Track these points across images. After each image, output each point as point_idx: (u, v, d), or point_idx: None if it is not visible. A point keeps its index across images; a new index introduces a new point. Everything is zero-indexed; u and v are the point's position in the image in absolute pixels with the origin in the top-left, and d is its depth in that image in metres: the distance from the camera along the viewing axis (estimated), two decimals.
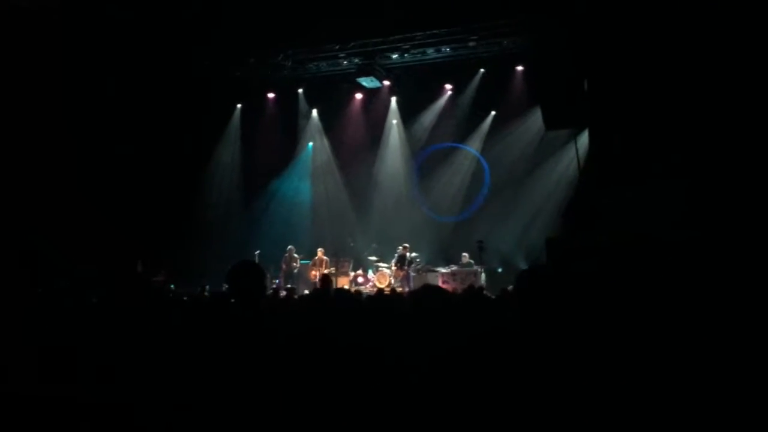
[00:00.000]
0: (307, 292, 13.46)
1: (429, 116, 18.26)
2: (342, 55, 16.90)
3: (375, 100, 18.59)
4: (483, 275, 15.18)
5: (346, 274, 16.78)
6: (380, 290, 14.00)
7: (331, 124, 19.18)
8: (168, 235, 16.02)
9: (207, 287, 14.15)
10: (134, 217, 14.84)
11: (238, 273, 3.84)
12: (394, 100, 18.69)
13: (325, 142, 19.34)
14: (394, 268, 16.26)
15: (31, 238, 12.07)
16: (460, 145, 18.06)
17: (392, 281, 16.05)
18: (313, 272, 16.72)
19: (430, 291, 4.12)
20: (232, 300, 3.92)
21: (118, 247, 14.10)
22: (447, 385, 3.00)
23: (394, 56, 16.69)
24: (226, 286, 4.11)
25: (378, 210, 18.27)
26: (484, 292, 10.91)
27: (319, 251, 16.88)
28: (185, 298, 11.78)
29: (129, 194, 15.02)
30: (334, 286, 15.49)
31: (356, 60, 16.91)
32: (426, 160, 18.39)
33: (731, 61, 6.98)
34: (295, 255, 16.94)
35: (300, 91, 18.98)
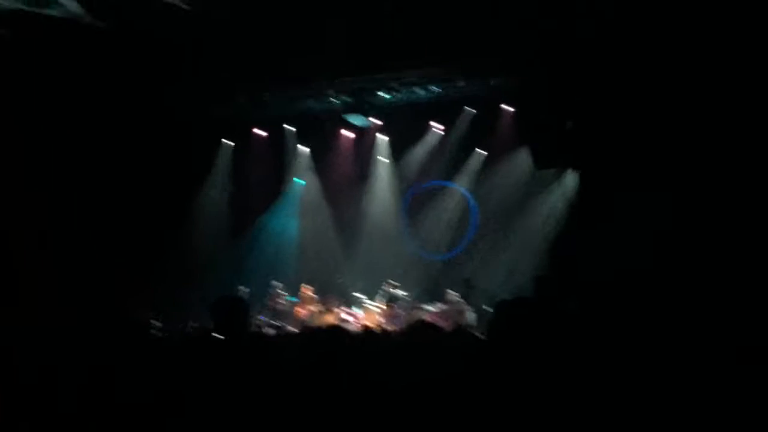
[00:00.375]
0: (293, 329, 13.31)
1: (418, 154, 18.29)
2: (329, 92, 16.97)
3: (364, 138, 18.62)
4: (474, 315, 15.06)
5: (333, 311, 16.61)
6: (367, 328, 13.88)
7: (319, 161, 19.14)
8: (153, 271, 15.87)
9: (191, 324, 14.01)
10: (119, 252, 14.75)
11: (221, 307, 3.81)
12: (382, 137, 18.73)
13: (314, 178, 19.31)
14: (382, 306, 16.13)
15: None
16: (448, 183, 18.08)
17: (380, 319, 15.90)
18: (300, 309, 16.57)
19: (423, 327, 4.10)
20: (214, 334, 3.88)
21: (102, 282, 14.01)
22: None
23: (382, 94, 16.77)
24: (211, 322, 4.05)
25: (365, 247, 18.19)
26: (473, 331, 10.83)
27: (306, 288, 16.74)
28: (166, 334, 11.70)
29: (115, 231, 14.94)
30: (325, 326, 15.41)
31: (344, 97, 16.98)
32: (414, 198, 18.39)
33: (712, 106, 7.05)
34: (281, 292, 16.80)
35: (287, 128, 19.00)
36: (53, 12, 12.50)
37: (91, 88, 14.35)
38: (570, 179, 11.12)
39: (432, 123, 17.92)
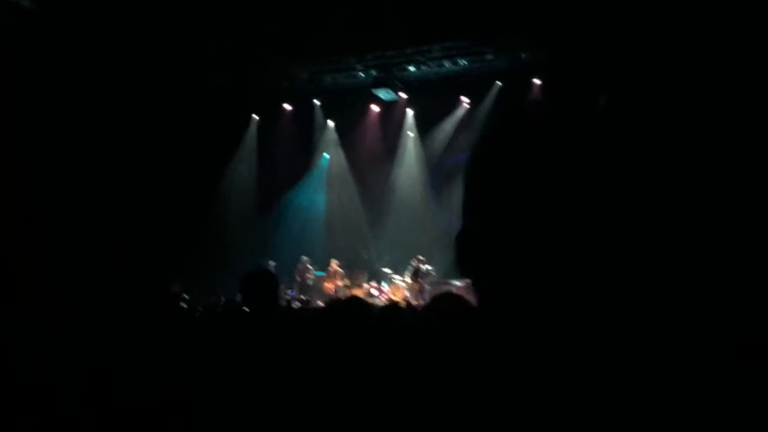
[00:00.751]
0: (321, 303, 13.40)
1: (445, 128, 18.21)
2: (359, 67, 16.92)
3: (391, 112, 18.58)
4: None
5: (361, 286, 16.71)
6: (394, 302, 13.94)
7: (347, 136, 19.18)
8: (182, 245, 16.03)
9: (222, 298, 14.14)
10: (148, 228, 14.90)
11: (251, 281, 3.81)
12: (410, 112, 18.66)
13: (341, 153, 19.33)
14: (408, 280, 16.16)
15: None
16: None
17: (407, 294, 15.95)
18: (327, 284, 16.69)
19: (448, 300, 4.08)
20: (245, 309, 3.89)
21: (133, 256, 14.18)
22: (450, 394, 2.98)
23: (411, 68, 16.69)
24: (240, 296, 4.06)
25: (393, 222, 18.20)
26: None
27: (334, 263, 16.85)
28: (200, 309, 11.83)
29: (142, 204, 15.08)
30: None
31: (373, 72, 16.91)
32: (443, 171, 18.30)
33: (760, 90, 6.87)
34: (309, 266, 16.91)
35: (316, 102, 19.00)
36: None
37: (123, 63, 14.43)
38: None
39: (461, 97, 17.80)
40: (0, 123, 12.51)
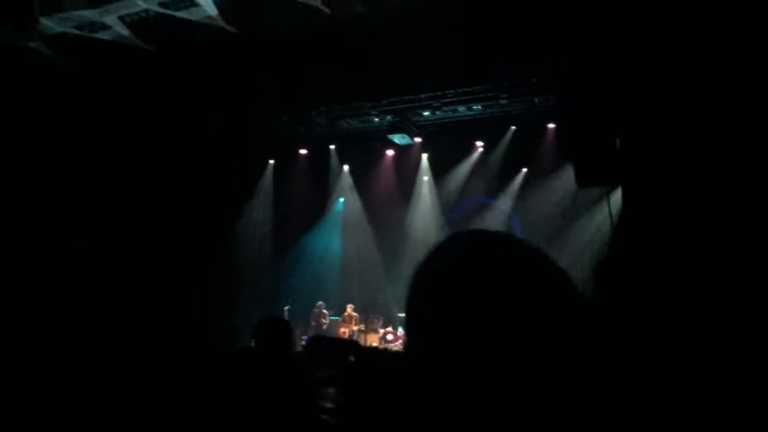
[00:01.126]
0: None
1: (460, 172, 18.26)
2: (374, 112, 17.05)
3: (406, 156, 18.67)
4: None
5: (376, 331, 16.61)
6: None
7: (362, 180, 19.27)
8: (197, 289, 16.02)
9: (236, 345, 14.08)
10: (165, 276, 14.94)
11: (265, 328, 3.79)
12: (425, 156, 18.75)
13: (356, 197, 19.40)
14: None
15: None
16: (492, 201, 17.96)
17: None
18: (342, 329, 16.60)
19: None
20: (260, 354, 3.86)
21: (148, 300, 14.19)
22: None
23: (426, 113, 16.79)
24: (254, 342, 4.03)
25: (408, 266, 17.99)
26: None
27: (349, 307, 16.78)
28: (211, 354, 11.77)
29: (161, 253, 15.14)
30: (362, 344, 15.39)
31: (388, 117, 17.03)
32: (458, 216, 18.29)
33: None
34: (325, 311, 16.85)
35: (332, 147, 19.15)
36: (104, 36, 12.81)
37: (138, 107, 14.66)
38: (617, 197, 10.95)
39: (475, 141, 17.87)
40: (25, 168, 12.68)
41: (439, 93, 16.04)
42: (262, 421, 3.14)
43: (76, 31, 12.60)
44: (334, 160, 19.39)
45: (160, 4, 11.93)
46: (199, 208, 16.38)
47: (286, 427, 3.13)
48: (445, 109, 16.51)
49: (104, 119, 14.21)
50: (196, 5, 11.97)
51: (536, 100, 15.58)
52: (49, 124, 13.23)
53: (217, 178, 16.68)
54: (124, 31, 12.72)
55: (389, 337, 16.41)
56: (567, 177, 15.12)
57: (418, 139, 17.67)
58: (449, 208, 18.47)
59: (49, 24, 12.06)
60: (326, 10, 12.15)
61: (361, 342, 16.13)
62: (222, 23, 12.52)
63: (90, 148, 14.01)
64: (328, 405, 3.48)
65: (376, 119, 17.29)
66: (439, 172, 18.60)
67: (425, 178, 18.86)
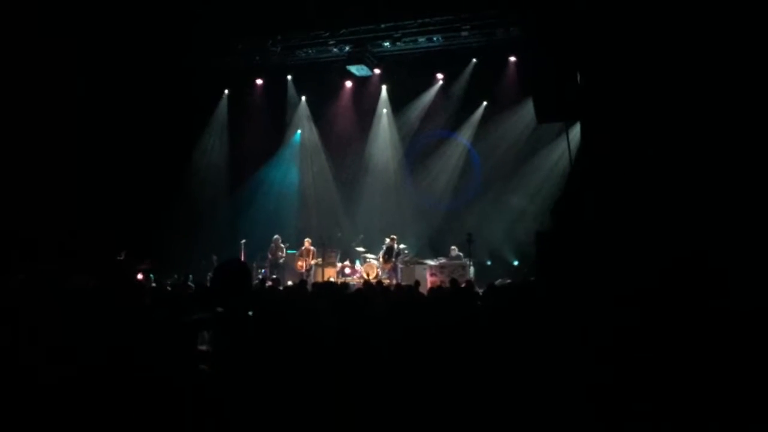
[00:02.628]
0: (290, 283, 13.25)
1: (420, 105, 18.04)
2: (332, 42, 16.62)
3: (365, 88, 18.35)
4: (472, 268, 15.00)
5: (333, 265, 16.57)
6: (367, 282, 13.83)
7: (320, 112, 18.93)
8: (152, 223, 15.76)
9: (190, 277, 13.96)
10: (118, 207, 14.63)
11: (224, 274, 3.69)
12: (384, 88, 18.45)
13: (314, 130, 19.10)
14: (381, 259, 16.05)
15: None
16: (452, 134, 17.85)
17: (380, 273, 15.86)
18: (300, 263, 16.54)
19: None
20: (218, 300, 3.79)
21: (101, 236, 13.91)
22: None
23: (386, 44, 16.44)
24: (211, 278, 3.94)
25: (366, 200, 18.06)
26: (473, 285, 10.78)
27: (306, 241, 16.68)
28: (168, 289, 11.62)
29: (113, 184, 14.79)
30: (321, 280, 15.39)
31: (347, 47, 16.63)
32: (418, 149, 18.16)
33: (730, 59, 6.78)
34: (282, 245, 16.73)
35: (289, 78, 18.70)
36: None
37: (91, 34, 14.05)
38: (575, 132, 10.91)
39: (436, 74, 17.62)
40: None
41: (399, 23, 15.69)
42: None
43: None
44: (292, 90, 18.96)
45: None
46: (152, 140, 15.95)
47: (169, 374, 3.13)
48: (406, 39, 16.18)
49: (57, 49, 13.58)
50: None
51: (498, 32, 15.33)
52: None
53: (169, 108, 16.21)
54: None
55: (347, 270, 16.41)
56: (527, 111, 15.08)
57: (377, 71, 17.34)
58: (408, 141, 18.30)
59: None
60: None
61: (319, 276, 16.12)
62: None
63: (44, 78, 13.44)
64: (203, 348, 3.46)
65: (335, 49, 16.86)
66: (398, 104, 18.37)
67: (384, 110, 18.61)
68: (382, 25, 15.85)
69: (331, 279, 15.53)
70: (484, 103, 17.34)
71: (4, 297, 5.05)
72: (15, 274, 7.95)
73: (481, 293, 7.80)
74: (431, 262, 15.75)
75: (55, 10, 13.05)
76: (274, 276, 15.01)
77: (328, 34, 16.40)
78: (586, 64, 8.20)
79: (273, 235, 16.77)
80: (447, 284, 11.33)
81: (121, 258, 14.24)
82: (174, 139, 17.02)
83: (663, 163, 7.07)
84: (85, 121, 14.31)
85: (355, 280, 15.44)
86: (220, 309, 3.57)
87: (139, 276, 14.14)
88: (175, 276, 14.82)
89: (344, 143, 18.58)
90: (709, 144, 6.70)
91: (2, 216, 11.75)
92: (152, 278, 14.11)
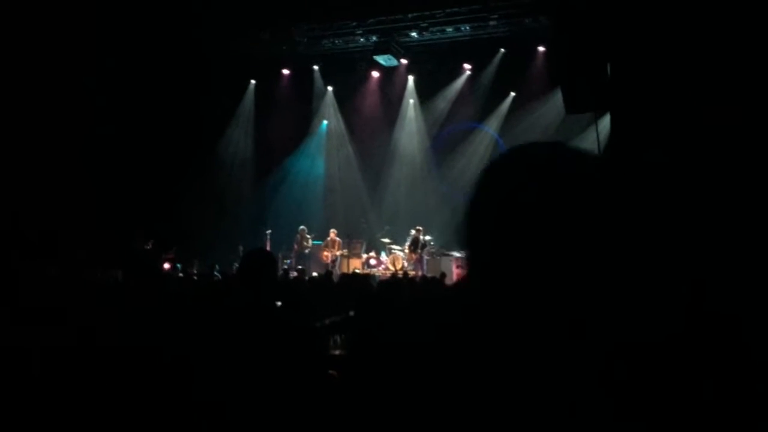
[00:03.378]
0: (315, 274, 13.25)
1: (447, 96, 17.90)
2: (359, 31, 16.55)
3: (392, 78, 18.23)
4: None
5: (359, 256, 16.56)
6: (393, 273, 13.82)
7: (346, 103, 18.87)
8: (179, 214, 15.84)
9: (216, 266, 14.01)
10: (145, 196, 14.71)
11: (251, 263, 3.66)
12: (411, 78, 18.33)
13: (340, 120, 19.05)
14: (407, 251, 15.98)
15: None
16: (479, 125, 17.70)
17: (405, 264, 15.80)
18: (325, 253, 16.54)
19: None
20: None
21: (128, 226, 14.02)
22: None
23: (413, 34, 16.33)
24: (237, 268, 3.94)
25: (392, 191, 18.01)
26: None
27: (332, 232, 16.67)
28: (195, 278, 11.68)
29: (140, 173, 14.86)
30: (346, 271, 15.37)
31: (373, 37, 16.54)
32: (445, 140, 18.03)
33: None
34: (307, 235, 16.73)
35: (315, 67, 18.66)
36: None
37: (117, 25, 14.08)
38: (605, 124, 10.73)
39: (463, 64, 17.45)
40: None
41: (427, 12, 15.56)
42: (273, 374, 3.04)
43: None
44: (318, 81, 18.91)
45: None
46: (179, 130, 16.00)
47: (297, 382, 3.05)
48: (433, 29, 16.05)
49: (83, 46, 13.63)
50: None
51: (527, 21, 15.13)
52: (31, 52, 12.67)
53: (196, 98, 16.24)
54: None
55: (372, 261, 16.37)
56: (556, 102, 14.85)
57: (404, 61, 17.22)
58: (435, 131, 18.18)
59: None
60: None
61: (344, 267, 16.10)
62: None
63: (68, 75, 13.49)
64: (336, 352, 3.40)
65: (362, 39, 16.79)
66: (425, 94, 18.23)
67: (411, 100, 18.50)
68: (409, 15, 15.73)
69: (357, 270, 15.50)
70: (512, 93, 17.16)
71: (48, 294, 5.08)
72: (47, 267, 8.04)
73: None
74: (457, 254, 15.64)
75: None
76: (300, 267, 15.02)
77: (354, 24, 16.32)
78: (617, 54, 8.02)
79: (299, 226, 16.78)
80: None
81: (149, 248, 14.36)
82: (200, 129, 17.08)
83: (695, 159, 6.89)
84: (111, 112, 14.37)
85: (380, 272, 15.41)
86: (351, 313, 3.54)
87: (166, 265, 14.26)
88: (196, 263, 14.92)
89: (371, 134, 18.49)
90: (746, 140, 6.49)
91: (30, 208, 11.83)
92: (179, 267, 14.20)
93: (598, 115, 11.01)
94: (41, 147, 12.84)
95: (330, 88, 19.07)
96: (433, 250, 15.98)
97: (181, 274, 13.10)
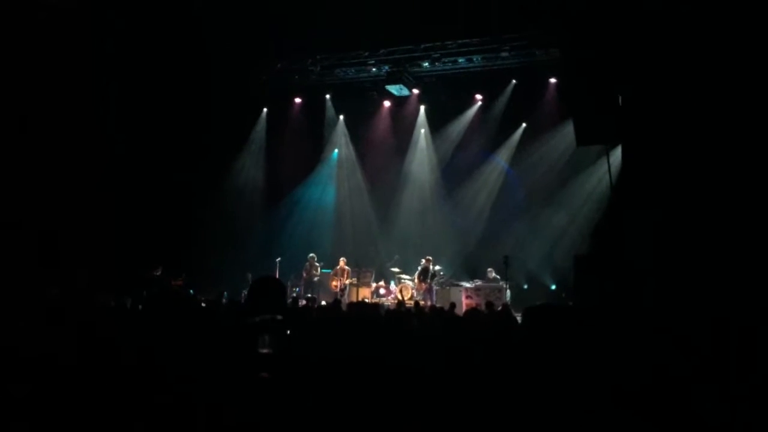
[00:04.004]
0: (324, 303, 13.18)
1: (458, 126, 17.94)
2: (371, 61, 16.67)
3: (403, 108, 18.31)
4: (508, 292, 14.78)
5: (368, 285, 16.48)
6: (400, 302, 13.70)
7: (357, 132, 18.97)
8: (188, 240, 15.86)
9: (225, 294, 13.96)
10: (155, 222, 14.74)
11: (260, 289, 3.66)
12: (423, 108, 18.41)
13: (351, 149, 19.12)
14: (416, 280, 15.90)
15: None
16: (491, 155, 17.72)
17: (414, 294, 15.72)
18: (334, 282, 16.47)
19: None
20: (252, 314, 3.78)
21: (138, 251, 14.03)
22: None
23: (425, 64, 16.42)
24: (245, 295, 3.95)
25: (402, 220, 17.99)
26: (509, 308, 10.61)
27: (341, 261, 16.62)
28: (203, 305, 11.64)
29: (151, 199, 14.91)
30: (355, 299, 15.30)
31: (385, 67, 16.65)
32: (455, 170, 18.02)
33: None
34: (317, 264, 16.69)
35: (327, 97, 18.77)
36: None
37: (131, 53, 14.22)
38: (616, 156, 10.72)
39: (475, 94, 17.51)
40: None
41: (439, 43, 15.68)
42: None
43: None
44: (330, 110, 19.01)
45: None
46: (190, 157, 16.08)
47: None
48: (445, 60, 16.15)
49: (98, 67, 13.77)
50: None
51: (538, 53, 15.20)
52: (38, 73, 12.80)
53: (209, 127, 16.35)
54: None
55: (381, 291, 16.31)
56: (567, 133, 14.86)
57: (416, 91, 17.30)
58: (446, 161, 18.19)
59: None
60: None
61: (353, 296, 16.03)
62: None
63: (83, 95, 13.61)
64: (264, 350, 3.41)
65: (374, 69, 16.91)
66: (436, 124, 18.28)
67: (422, 130, 18.55)
68: (421, 45, 15.85)
69: (366, 299, 15.43)
70: (524, 124, 17.20)
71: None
72: (49, 287, 8.03)
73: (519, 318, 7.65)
74: (467, 284, 15.57)
75: (97, 21, 13.21)
76: (309, 295, 14.96)
77: (367, 53, 16.45)
78: (628, 86, 8.02)
79: (308, 254, 16.75)
80: (483, 307, 11.17)
81: (158, 274, 14.35)
82: (212, 156, 17.17)
83: (708, 189, 6.85)
84: (122, 138, 14.47)
85: (389, 301, 15.33)
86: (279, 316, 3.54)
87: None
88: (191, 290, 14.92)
89: (381, 163, 18.52)
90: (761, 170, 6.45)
91: (38, 231, 11.86)
92: (191, 293, 14.17)
93: (610, 148, 11.01)
94: (56, 171, 12.93)
95: (341, 117, 19.16)
96: (442, 280, 15.90)
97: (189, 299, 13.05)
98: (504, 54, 15.42)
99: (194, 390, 3.00)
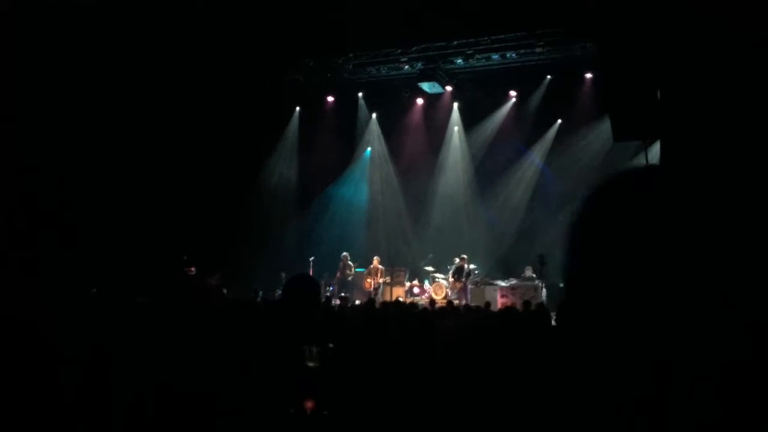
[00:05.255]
0: (358, 302, 13.14)
1: (492, 123, 17.75)
2: (404, 59, 16.58)
3: (436, 105, 18.17)
4: (544, 290, 14.57)
5: (402, 284, 16.39)
6: (433, 301, 13.59)
7: (390, 130, 18.85)
8: (223, 239, 15.95)
9: (260, 293, 14.00)
10: (190, 221, 14.84)
11: (294, 287, 3.63)
12: (456, 105, 18.24)
13: (384, 147, 19.03)
14: (451, 279, 15.78)
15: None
16: (525, 150, 17.49)
17: (449, 293, 15.58)
18: (368, 281, 16.42)
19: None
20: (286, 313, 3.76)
21: (173, 250, 14.14)
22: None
23: (458, 61, 16.29)
24: (280, 294, 3.91)
25: (436, 219, 17.85)
26: (544, 307, 10.44)
27: (375, 260, 16.56)
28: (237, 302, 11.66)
29: (186, 198, 15.01)
30: (389, 299, 15.24)
31: (418, 64, 16.55)
32: (489, 167, 17.83)
33: None
34: (350, 263, 16.66)
35: (360, 94, 18.72)
36: None
37: (163, 55, 14.34)
38: (655, 152, 10.46)
39: (509, 91, 17.31)
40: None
41: (472, 40, 15.51)
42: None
43: None
44: (362, 108, 18.96)
45: None
46: (224, 156, 16.18)
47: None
48: (478, 56, 15.99)
49: (131, 71, 13.90)
50: None
51: (573, 48, 14.97)
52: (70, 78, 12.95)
53: (242, 124, 16.42)
54: None
55: (415, 290, 16.21)
56: (603, 129, 14.58)
57: (449, 88, 17.15)
58: (480, 159, 18.00)
59: None
60: None
61: (387, 295, 15.95)
62: None
63: (118, 97, 13.77)
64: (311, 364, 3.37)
65: (406, 66, 16.82)
66: (470, 122, 18.09)
67: (456, 128, 18.39)
68: (455, 42, 15.71)
69: (400, 298, 15.34)
70: (559, 120, 16.94)
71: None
72: (88, 288, 8.10)
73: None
74: (502, 283, 15.39)
75: (128, 24, 13.31)
76: (343, 294, 14.93)
77: (399, 51, 16.37)
78: (667, 80, 7.80)
79: (341, 253, 16.73)
80: (518, 306, 11.00)
81: (193, 273, 14.44)
82: (245, 155, 17.25)
83: (752, 186, 6.59)
84: (158, 140, 14.61)
85: (423, 300, 15.22)
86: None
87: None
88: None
89: (414, 161, 18.40)
90: None
91: (74, 233, 11.98)
92: (225, 293, 14.23)
93: (648, 144, 10.75)
94: (90, 172, 13.09)
95: (374, 115, 19.09)
96: (477, 279, 15.74)
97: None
98: (538, 49, 15.22)
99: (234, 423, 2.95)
